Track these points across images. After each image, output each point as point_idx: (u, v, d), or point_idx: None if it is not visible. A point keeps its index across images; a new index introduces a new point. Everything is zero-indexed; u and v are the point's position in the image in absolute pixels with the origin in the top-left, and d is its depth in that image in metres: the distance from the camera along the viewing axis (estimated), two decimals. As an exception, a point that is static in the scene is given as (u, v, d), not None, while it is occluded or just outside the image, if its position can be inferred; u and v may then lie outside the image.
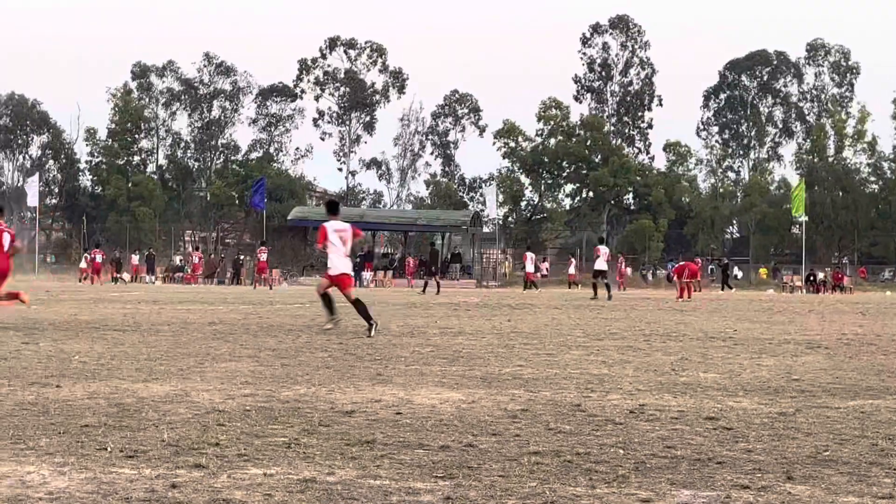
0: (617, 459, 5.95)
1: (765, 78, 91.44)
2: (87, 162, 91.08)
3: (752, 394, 8.94)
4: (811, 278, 63.32)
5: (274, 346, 13.23)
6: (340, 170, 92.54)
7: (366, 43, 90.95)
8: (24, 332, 15.11)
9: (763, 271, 74.26)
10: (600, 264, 35.51)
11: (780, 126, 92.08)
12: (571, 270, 51.48)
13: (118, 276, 57.60)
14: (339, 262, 16.06)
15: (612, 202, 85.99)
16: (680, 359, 12.17)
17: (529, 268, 51.29)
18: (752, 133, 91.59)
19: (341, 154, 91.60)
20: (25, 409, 7.58)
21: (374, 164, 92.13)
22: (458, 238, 76.20)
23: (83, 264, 58.71)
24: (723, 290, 53.37)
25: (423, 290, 41.82)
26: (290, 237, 71.86)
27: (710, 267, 70.19)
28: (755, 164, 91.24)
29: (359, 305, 15.69)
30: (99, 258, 55.09)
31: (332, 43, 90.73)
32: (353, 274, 16.44)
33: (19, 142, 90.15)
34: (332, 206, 16.88)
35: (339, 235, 16.04)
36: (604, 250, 36.30)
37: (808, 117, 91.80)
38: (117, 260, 60.83)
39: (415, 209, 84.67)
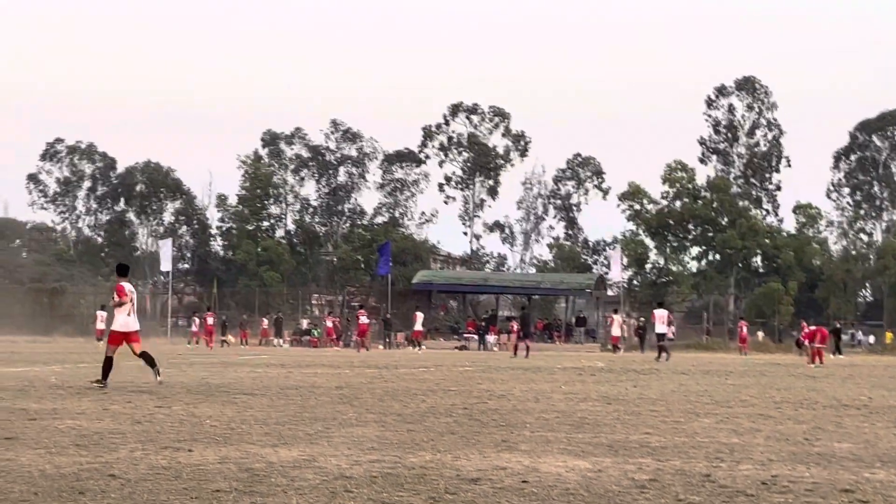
0: (749, 533, 5.81)
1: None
2: (218, 227, 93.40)
3: (889, 465, 8.66)
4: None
5: (399, 411, 13.29)
6: (465, 233, 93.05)
7: (489, 108, 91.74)
8: (158, 396, 15.46)
9: (889, 336, 71.95)
10: (659, 328, 37.62)
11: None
12: (615, 332, 51.11)
13: (223, 339, 58.29)
14: (130, 319, 17.38)
15: (740, 265, 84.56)
16: (813, 427, 11.85)
17: (616, 331, 50.77)
18: (885, 194, 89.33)
19: (465, 218, 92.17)
20: (159, 473, 7.74)
21: (497, 227, 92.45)
22: (582, 301, 75.68)
23: (194, 327, 59.92)
24: (834, 355, 51.70)
25: (514, 354, 41.25)
26: (414, 301, 72.29)
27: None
28: (889, 226, 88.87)
29: (146, 357, 17.24)
30: (210, 321, 55.81)
31: (455, 109, 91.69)
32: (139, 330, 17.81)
33: (153, 207, 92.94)
34: (122, 269, 18.31)
35: (131, 297, 17.50)
36: (660, 314, 38.28)
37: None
38: (223, 323, 61.61)
39: (538, 272, 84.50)
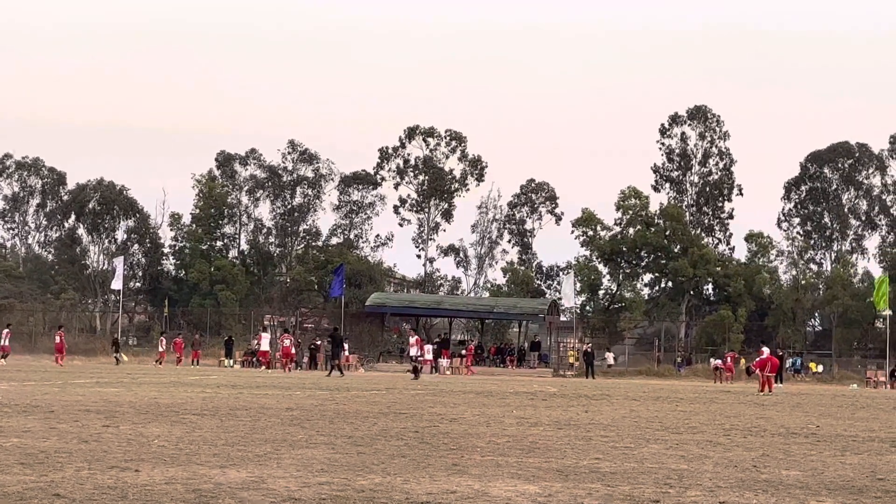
0: (696, 559, 5.83)
1: (847, 170, 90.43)
2: (171, 246, 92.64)
3: (835, 493, 8.73)
4: (896, 374, 61.79)
5: (350, 433, 13.23)
6: (419, 256, 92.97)
7: (445, 132, 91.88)
8: (106, 415, 15.29)
9: (812, 365, 72.74)
10: (413, 351, 43.84)
11: (864, 218, 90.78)
12: (264, 347, 54.31)
13: (117, 356, 56.73)
14: None
15: (692, 292, 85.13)
16: (761, 455, 11.94)
17: (264, 346, 54.00)
18: (835, 225, 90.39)
19: (420, 241, 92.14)
20: (105, 493, 7.65)
21: (451, 250, 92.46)
22: (536, 326, 75.81)
23: (160, 347, 59.41)
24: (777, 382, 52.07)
25: (330, 373, 44.35)
26: (367, 323, 72.10)
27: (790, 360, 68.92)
28: (838, 257, 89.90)
29: None
30: (58, 339, 53.65)
31: (412, 132, 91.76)
32: None
33: (106, 225, 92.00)
34: None
35: None
36: (414, 339, 45.43)
37: (892, 210, 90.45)
38: (115, 340, 60.42)
39: (492, 296, 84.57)
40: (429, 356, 56.28)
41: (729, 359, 60.40)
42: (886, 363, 64.20)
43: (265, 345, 52.39)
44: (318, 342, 64.72)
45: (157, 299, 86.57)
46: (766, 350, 49.43)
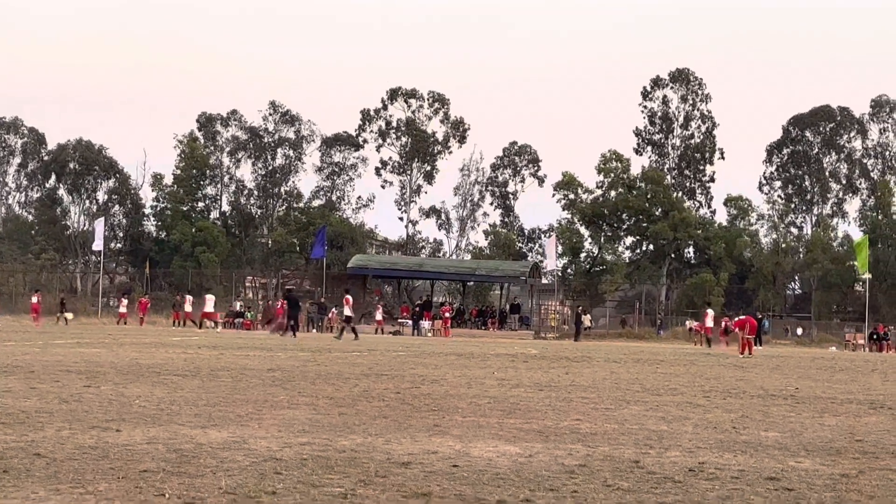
0: (675, 518, 5.87)
1: (828, 134, 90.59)
2: (152, 207, 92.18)
3: (813, 454, 8.80)
4: (874, 336, 62.31)
5: (331, 394, 13.25)
6: (401, 218, 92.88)
7: (428, 94, 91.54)
8: (87, 376, 15.27)
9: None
10: (348, 311, 43.18)
11: (844, 182, 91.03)
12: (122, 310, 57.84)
13: (61, 315, 56.18)
14: None
15: (672, 256, 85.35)
16: (740, 416, 12.01)
17: (122, 310, 57.46)
18: (816, 189, 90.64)
19: (402, 203, 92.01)
20: (86, 452, 7.65)
21: (433, 213, 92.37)
22: (517, 289, 75.98)
23: (122, 308, 59.33)
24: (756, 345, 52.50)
25: (283, 333, 44.08)
26: (349, 285, 72.08)
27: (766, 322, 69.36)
28: (818, 220, 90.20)
29: None
30: (35, 299, 53.68)
31: (394, 93, 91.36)
32: None
33: (86, 186, 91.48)
34: None
35: None
36: (347, 298, 43.70)
37: (872, 174, 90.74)
38: (61, 300, 60.04)
39: (473, 259, 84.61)
40: (378, 317, 58.04)
41: (724, 323, 60.91)
42: (865, 326, 64.67)
43: (188, 307, 55.81)
44: (302, 304, 64.94)
45: (137, 260, 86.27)
46: (710, 311, 50.81)
